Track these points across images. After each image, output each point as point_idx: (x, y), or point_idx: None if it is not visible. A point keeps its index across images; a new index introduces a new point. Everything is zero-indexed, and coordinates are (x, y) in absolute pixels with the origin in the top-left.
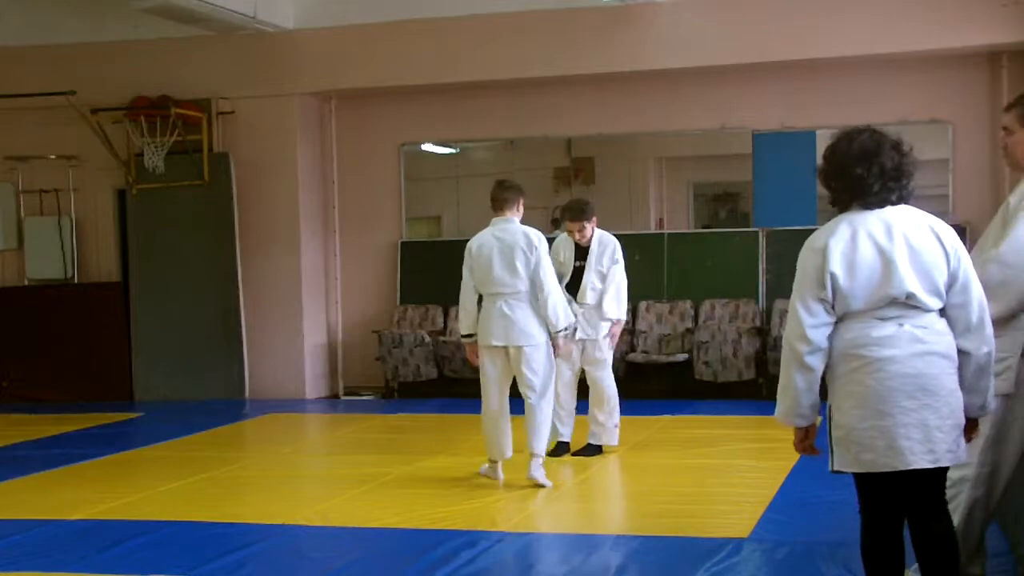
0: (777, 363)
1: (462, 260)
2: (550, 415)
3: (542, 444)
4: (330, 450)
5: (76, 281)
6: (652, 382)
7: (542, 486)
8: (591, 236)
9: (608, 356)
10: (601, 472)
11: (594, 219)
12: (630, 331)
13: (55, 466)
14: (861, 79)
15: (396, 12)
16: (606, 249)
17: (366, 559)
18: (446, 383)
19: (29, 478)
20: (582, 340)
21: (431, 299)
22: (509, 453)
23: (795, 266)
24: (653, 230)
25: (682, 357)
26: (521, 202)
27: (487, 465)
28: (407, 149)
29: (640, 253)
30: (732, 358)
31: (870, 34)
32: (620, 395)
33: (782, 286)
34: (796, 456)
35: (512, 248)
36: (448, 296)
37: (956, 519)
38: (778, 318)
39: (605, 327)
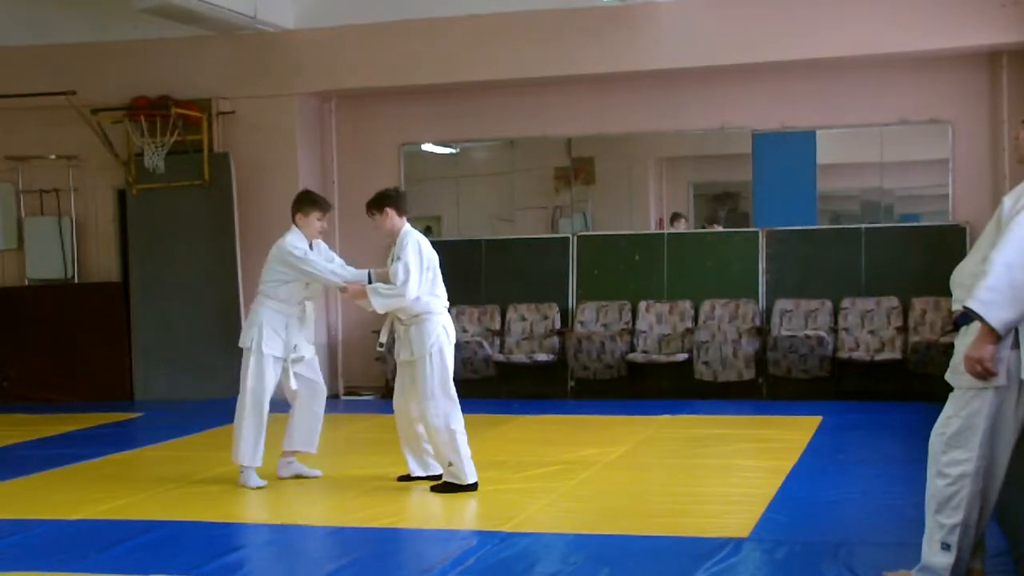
0: (777, 363)
1: (463, 260)
2: (244, 422)
3: (235, 452)
4: (330, 450)
5: (76, 281)
6: (652, 382)
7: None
8: (395, 232)
9: (430, 383)
10: (601, 472)
11: (388, 212)
12: (630, 331)
13: (55, 466)
14: (861, 79)
15: (396, 12)
16: (396, 245)
17: (366, 559)
18: None
19: (29, 478)
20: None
21: None
22: (254, 459)
23: (795, 265)
24: (653, 230)
25: (682, 357)
26: (302, 214)
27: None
28: (407, 149)
29: (640, 253)
30: (732, 358)
31: (870, 34)
32: (621, 394)
33: (782, 286)
34: (796, 456)
35: (272, 253)
36: (448, 297)
37: (959, 515)
38: (778, 318)
39: (422, 344)
